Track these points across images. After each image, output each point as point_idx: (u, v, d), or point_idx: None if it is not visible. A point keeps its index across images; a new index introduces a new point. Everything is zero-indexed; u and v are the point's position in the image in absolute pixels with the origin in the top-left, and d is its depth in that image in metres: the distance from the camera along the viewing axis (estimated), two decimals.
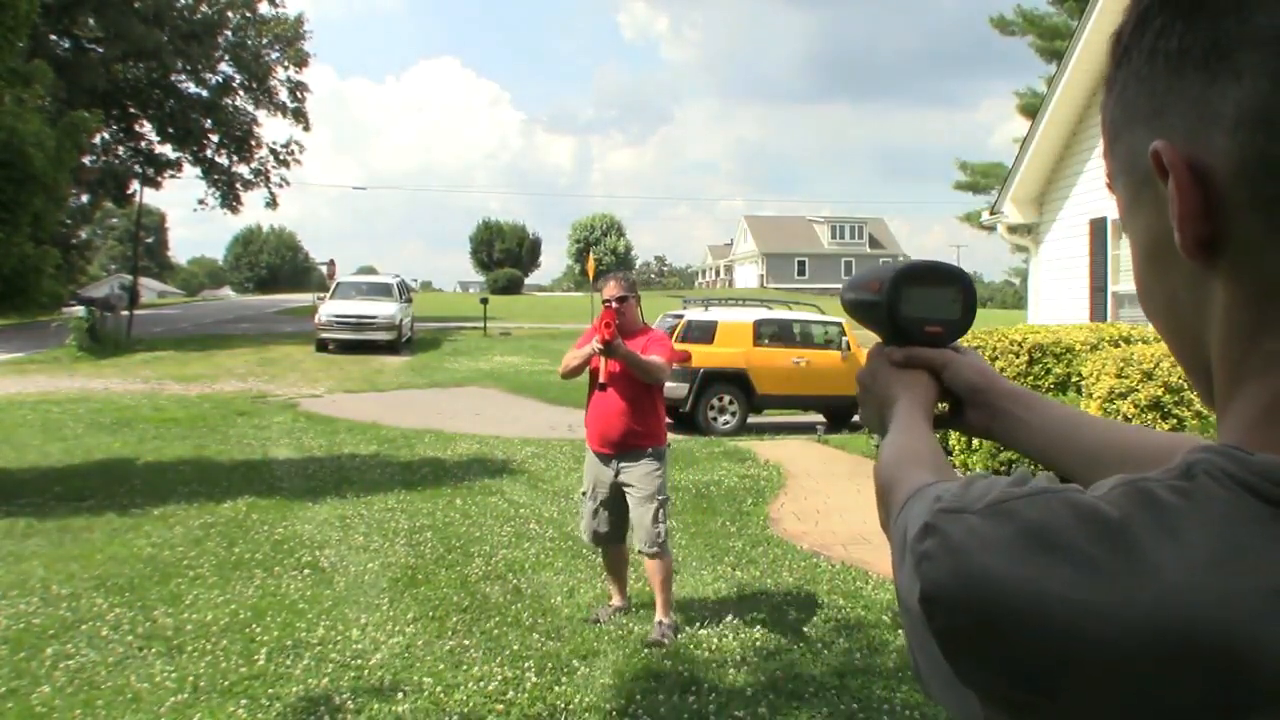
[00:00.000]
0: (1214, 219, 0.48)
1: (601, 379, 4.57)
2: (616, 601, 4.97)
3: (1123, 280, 9.50)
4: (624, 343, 4.49)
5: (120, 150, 33.37)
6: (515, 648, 4.44)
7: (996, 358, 7.95)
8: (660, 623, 4.61)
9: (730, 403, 12.40)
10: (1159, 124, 0.51)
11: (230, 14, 33.32)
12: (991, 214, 11.89)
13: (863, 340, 18.14)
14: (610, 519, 4.75)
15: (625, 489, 4.66)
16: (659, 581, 4.66)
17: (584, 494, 4.93)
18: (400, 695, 3.89)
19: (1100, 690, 0.43)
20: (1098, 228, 9.64)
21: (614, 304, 4.61)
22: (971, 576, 0.46)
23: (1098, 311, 9.66)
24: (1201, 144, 0.48)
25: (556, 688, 4.01)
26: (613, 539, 4.83)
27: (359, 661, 4.26)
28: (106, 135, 30.83)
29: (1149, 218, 0.53)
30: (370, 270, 39.95)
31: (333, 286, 23.11)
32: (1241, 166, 0.47)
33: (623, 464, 4.66)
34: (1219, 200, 0.48)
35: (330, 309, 21.16)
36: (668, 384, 5.35)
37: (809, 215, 75.11)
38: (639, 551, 4.75)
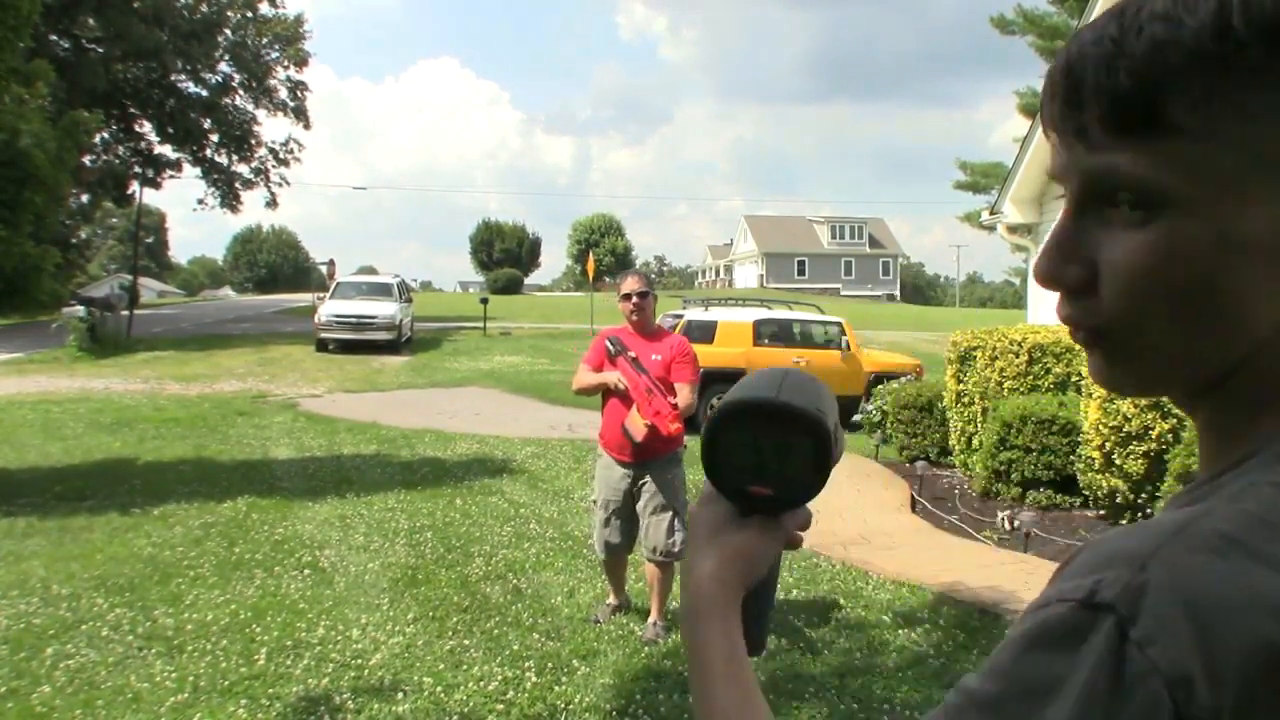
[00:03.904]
0: None
1: (638, 437, 4.45)
2: (613, 600, 4.95)
3: None
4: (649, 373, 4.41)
5: (120, 150, 33.36)
6: (515, 648, 4.44)
7: (997, 357, 7.95)
8: (654, 623, 4.62)
9: None
10: None
11: (230, 14, 33.33)
12: (991, 214, 11.89)
13: (864, 341, 17.99)
14: (623, 528, 4.67)
15: (641, 495, 4.57)
16: (659, 589, 4.63)
17: (595, 503, 4.80)
18: (400, 695, 3.89)
19: None
20: None
21: (635, 298, 4.55)
22: None
23: None
24: None
25: (556, 688, 4.02)
26: (625, 548, 4.76)
27: (359, 661, 4.26)
28: (106, 135, 30.81)
29: None
30: (370, 270, 39.95)
31: (333, 286, 23.09)
32: None
33: (641, 472, 4.56)
34: None
35: (330, 309, 21.15)
36: None
37: (809, 215, 75.21)
38: (647, 558, 4.68)
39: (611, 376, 4.52)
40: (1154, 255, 0.52)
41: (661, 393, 4.42)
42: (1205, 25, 0.50)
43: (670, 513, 4.54)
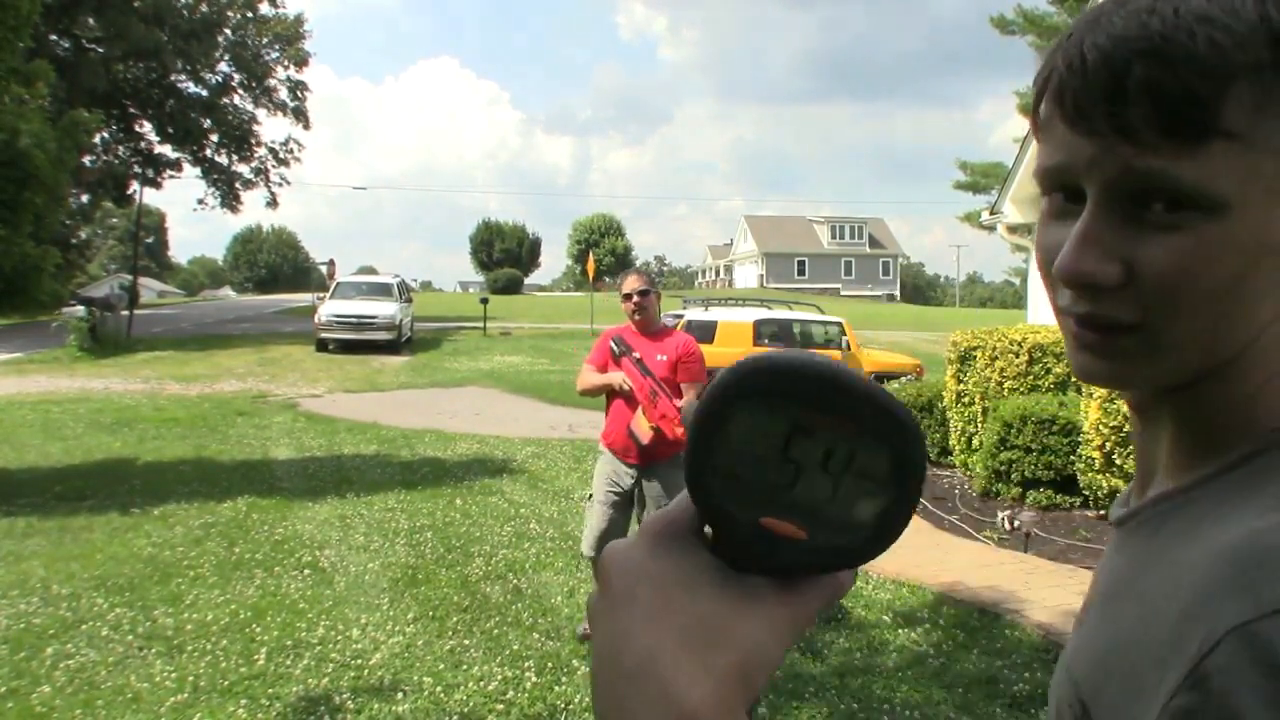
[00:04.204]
0: None
1: (644, 440, 4.36)
2: None
3: None
4: (661, 397, 4.32)
5: (120, 150, 33.41)
6: (515, 648, 4.44)
7: (997, 357, 7.95)
8: None
9: None
10: None
11: (230, 13, 33.36)
12: (991, 214, 11.89)
13: (864, 341, 17.95)
14: (620, 526, 4.53)
15: (647, 497, 4.45)
16: None
17: (591, 498, 4.61)
18: (400, 695, 3.89)
19: None
20: None
21: (636, 297, 4.43)
22: None
23: None
24: None
25: (556, 688, 4.02)
26: None
27: (359, 661, 4.27)
28: (106, 135, 30.86)
29: None
30: (370, 270, 39.98)
31: (333, 286, 23.11)
32: None
33: (648, 475, 4.42)
34: None
35: (330, 309, 21.17)
36: None
37: (809, 215, 75.27)
38: None
39: (616, 378, 4.43)
40: (1198, 257, 0.52)
41: (667, 395, 4.34)
42: (1256, 30, 0.50)
43: None
